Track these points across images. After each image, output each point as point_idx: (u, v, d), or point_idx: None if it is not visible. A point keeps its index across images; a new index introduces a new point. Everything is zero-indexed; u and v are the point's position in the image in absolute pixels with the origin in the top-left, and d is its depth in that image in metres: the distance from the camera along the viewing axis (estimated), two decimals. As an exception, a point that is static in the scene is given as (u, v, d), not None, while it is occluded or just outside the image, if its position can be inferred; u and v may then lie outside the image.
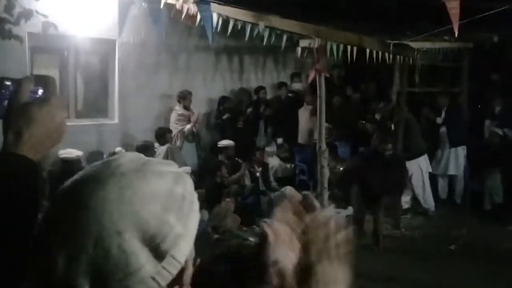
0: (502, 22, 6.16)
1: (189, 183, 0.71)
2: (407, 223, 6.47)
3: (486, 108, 7.63)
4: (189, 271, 0.69)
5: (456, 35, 3.69)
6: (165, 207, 0.65)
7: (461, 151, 7.03)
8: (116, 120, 7.24)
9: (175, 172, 0.70)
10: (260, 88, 8.51)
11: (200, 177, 6.48)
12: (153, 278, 0.63)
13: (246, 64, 8.64)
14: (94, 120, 7.14)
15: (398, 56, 6.05)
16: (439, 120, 7.21)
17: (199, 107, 7.56)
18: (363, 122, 7.40)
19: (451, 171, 7.05)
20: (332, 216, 0.79)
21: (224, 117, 7.59)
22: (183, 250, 0.66)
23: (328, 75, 5.77)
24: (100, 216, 0.62)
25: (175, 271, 0.65)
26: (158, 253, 0.63)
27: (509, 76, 8.09)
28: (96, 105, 7.41)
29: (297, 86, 8.85)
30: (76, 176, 0.68)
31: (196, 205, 0.70)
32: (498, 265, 5.23)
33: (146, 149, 6.18)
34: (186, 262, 0.67)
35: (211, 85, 8.16)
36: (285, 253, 0.74)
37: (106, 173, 0.66)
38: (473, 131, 7.36)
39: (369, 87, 8.43)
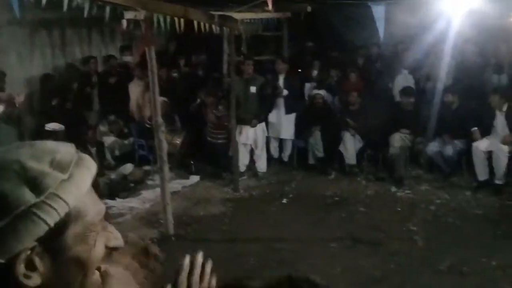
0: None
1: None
2: (245, 184, 6.91)
3: (305, 72, 8.40)
4: (90, 218, 0.75)
5: (270, 8, 3.97)
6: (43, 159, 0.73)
7: (293, 117, 7.53)
8: None
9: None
10: (89, 58, 7.96)
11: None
12: (36, 209, 0.68)
13: (69, 37, 7.98)
14: None
15: (224, 27, 6.26)
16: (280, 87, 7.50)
17: (16, 88, 6.79)
18: None
19: (283, 136, 7.58)
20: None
21: (53, 103, 6.94)
22: (69, 192, 0.72)
23: (158, 48, 5.70)
24: None
25: (61, 210, 0.70)
26: (38, 189, 0.69)
27: (321, 42, 9.03)
28: None
29: (127, 59, 8.54)
30: None
31: (84, 159, 0.78)
32: (323, 211, 5.99)
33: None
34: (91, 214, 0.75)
35: (29, 62, 7.34)
36: None
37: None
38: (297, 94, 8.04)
39: (200, 58, 8.57)
